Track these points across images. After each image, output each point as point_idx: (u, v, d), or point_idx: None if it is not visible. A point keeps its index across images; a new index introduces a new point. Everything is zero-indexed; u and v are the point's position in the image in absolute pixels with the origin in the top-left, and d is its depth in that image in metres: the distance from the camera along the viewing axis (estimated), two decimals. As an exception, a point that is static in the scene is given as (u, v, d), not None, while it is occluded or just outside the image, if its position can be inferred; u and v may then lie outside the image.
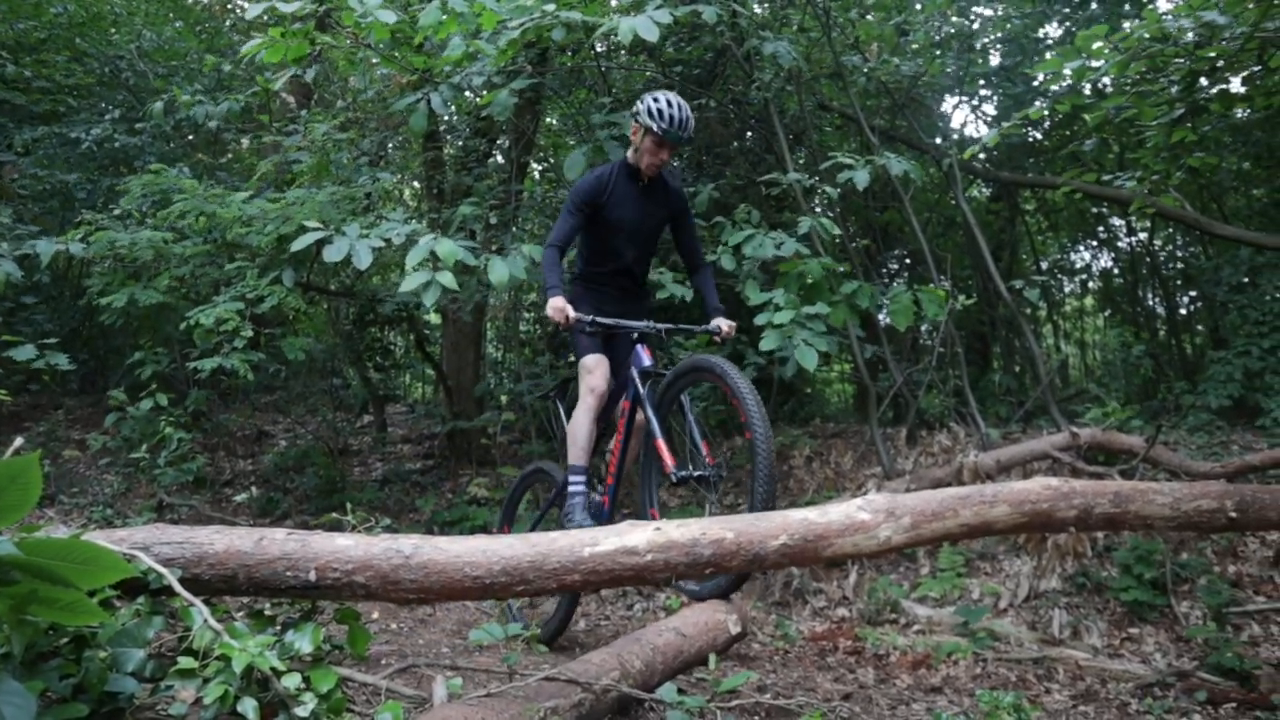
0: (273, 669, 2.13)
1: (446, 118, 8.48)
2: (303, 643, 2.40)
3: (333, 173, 6.78)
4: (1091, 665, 4.39)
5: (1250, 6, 3.37)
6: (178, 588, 2.21)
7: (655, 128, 3.93)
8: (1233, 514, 2.87)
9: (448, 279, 4.74)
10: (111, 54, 9.74)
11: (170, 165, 7.21)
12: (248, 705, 2.11)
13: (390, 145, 8.27)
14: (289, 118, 7.84)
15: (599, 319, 3.94)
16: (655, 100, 3.97)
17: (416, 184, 9.86)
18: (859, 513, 2.64)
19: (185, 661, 2.19)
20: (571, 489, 4.11)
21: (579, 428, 4.07)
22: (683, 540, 2.44)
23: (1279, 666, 4.14)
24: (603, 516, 4.19)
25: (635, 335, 4.01)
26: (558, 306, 3.85)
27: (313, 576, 2.37)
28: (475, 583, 2.38)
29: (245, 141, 7.65)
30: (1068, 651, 4.57)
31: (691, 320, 4.44)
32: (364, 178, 6.64)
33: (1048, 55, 6.57)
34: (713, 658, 3.10)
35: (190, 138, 9.71)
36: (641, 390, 3.89)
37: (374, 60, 7.23)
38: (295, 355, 6.26)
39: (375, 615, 4.81)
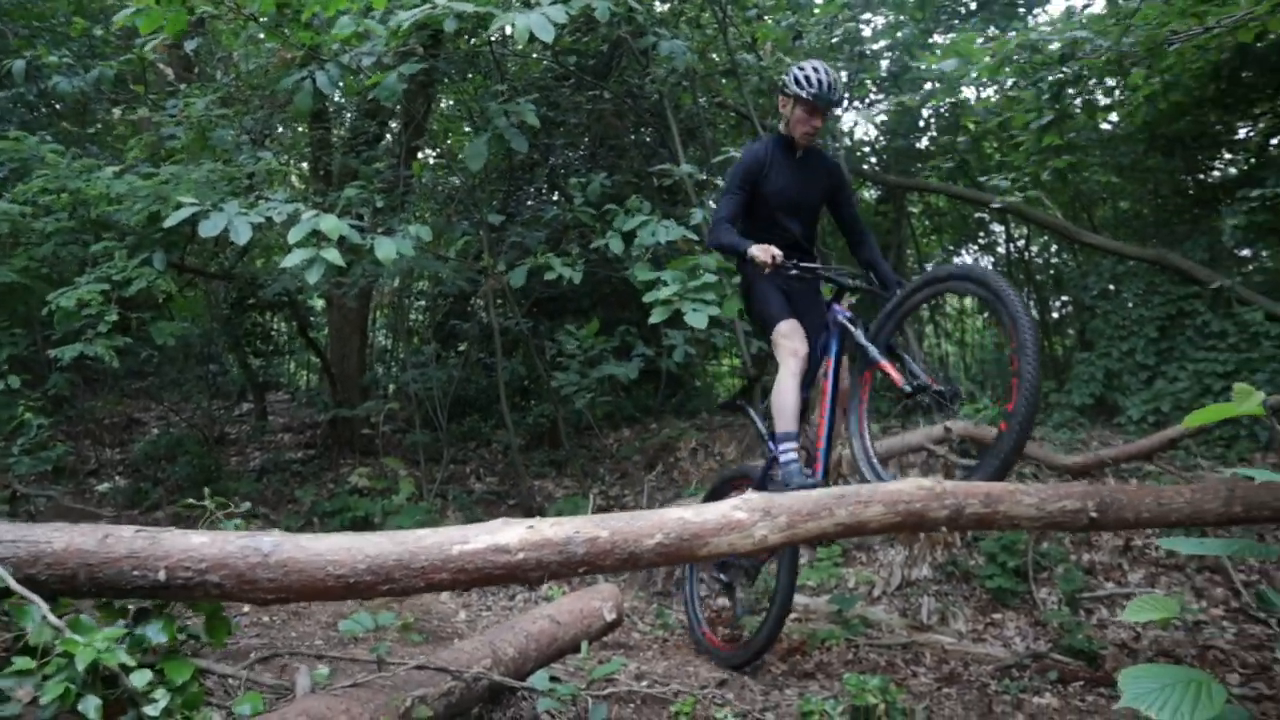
0: (121, 665, 2.03)
1: (335, 98, 8.23)
2: (156, 635, 2.30)
3: (212, 150, 6.49)
4: (956, 649, 4.58)
5: (1111, 24, 3.56)
6: (12, 583, 2.08)
7: (805, 94, 3.91)
8: (1094, 514, 3.00)
9: (333, 255, 4.59)
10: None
11: (31, 134, 6.77)
12: (89, 704, 2.01)
13: (276, 125, 7.98)
14: (167, 91, 7.46)
15: (804, 264, 3.91)
16: (801, 69, 3.97)
17: (304, 165, 9.54)
18: (735, 512, 2.68)
19: (21, 661, 2.06)
20: (784, 458, 3.89)
21: (786, 394, 3.90)
22: (556, 538, 2.43)
23: (1123, 647, 4.41)
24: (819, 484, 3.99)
25: (831, 291, 3.98)
26: (763, 248, 3.78)
27: (162, 576, 2.26)
28: (338, 582, 2.32)
29: (117, 113, 7.24)
30: (935, 637, 4.76)
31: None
32: (245, 157, 6.38)
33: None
34: (585, 644, 3.10)
35: (57, 106, 9.14)
36: (852, 327, 3.81)
37: (260, 35, 6.96)
38: (165, 340, 5.96)
39: (246, 609, 4.65)
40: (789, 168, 4.12)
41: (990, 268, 3.50)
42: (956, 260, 11.71)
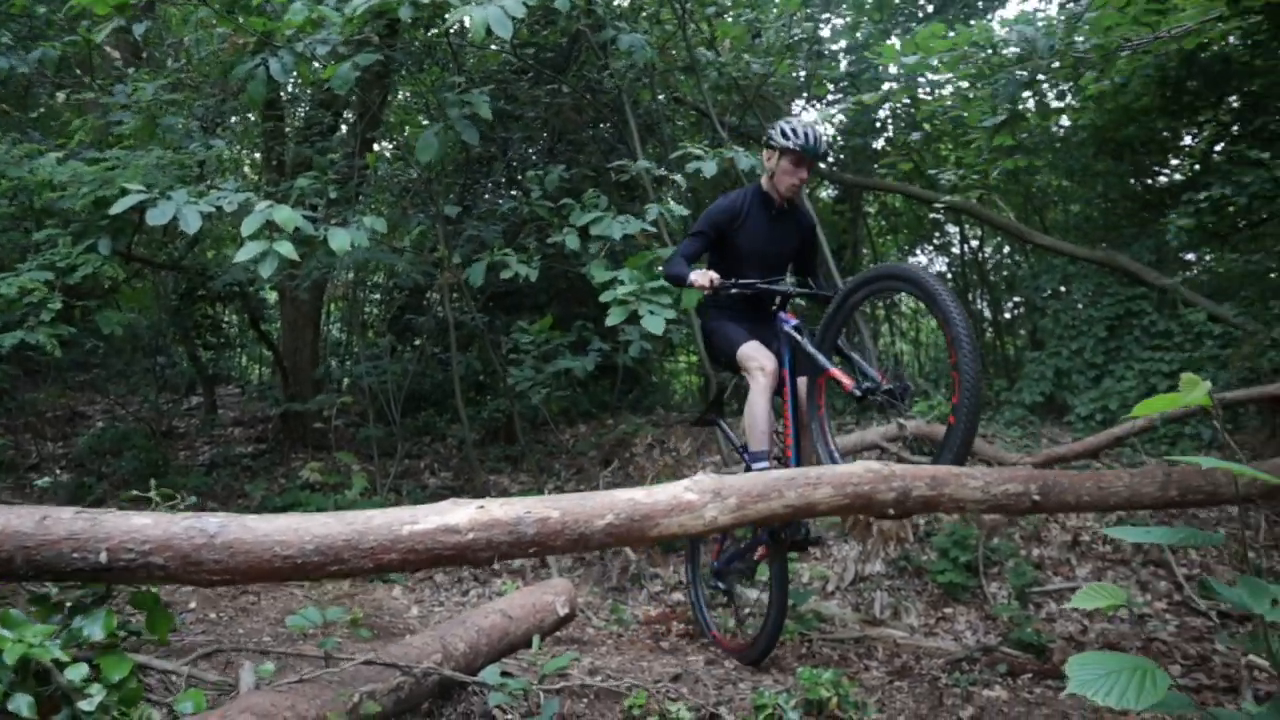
0: (54, 660, 1.96)
1: (289, 87, 8.10)
2: (94, 629, 2.23)
3: (160, 137, 6.33)
4: (908, 643, 4.62)
5: (1058, 21, 3.62)
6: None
7: (793, 144, 4.00)
8: (1036, 497, 3.06)
9: (286, 248, 4.50)
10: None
11: (-31, 116, 6.57)
12: (21, 701, 1.94)
13: (229, 113, 7.82)
14: (114, 76, 7.28)
15: (742, 280, 4.02)
16: (788, 123, 4.10)
17: (258, 156, 9.37)
18: (686, 493, 2.67)
19: (-52, 657, 1.98)
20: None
21: (757, 411, 4.00)
22: (506, 518, 2.40)
23: (1070, 640, 4.48)
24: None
25: (776, 303, 4.11)
26: (702, 272, 3.93)
27: (104, 558, 2.19)
28: (286, 563, 2.27)
29: (61, 96, 7.04)
30: (887, 631, 4.80)
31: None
32: (196, 144, 6.24)
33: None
34: (536, 639, 3.07)
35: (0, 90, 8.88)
36: (799, 337, 3.93)
37: (212, 21, 6.81)
38: (112, 329, 5.81)
39: (193, 605, 4.56)
40: (765, 222, 4.20)
41: (926, 267, 3.57)
42: (911, 260, 11.86)
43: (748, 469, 4.11)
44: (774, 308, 4.14)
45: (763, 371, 4.01)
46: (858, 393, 3.63)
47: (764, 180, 4.22)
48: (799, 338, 3.95)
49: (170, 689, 2.40)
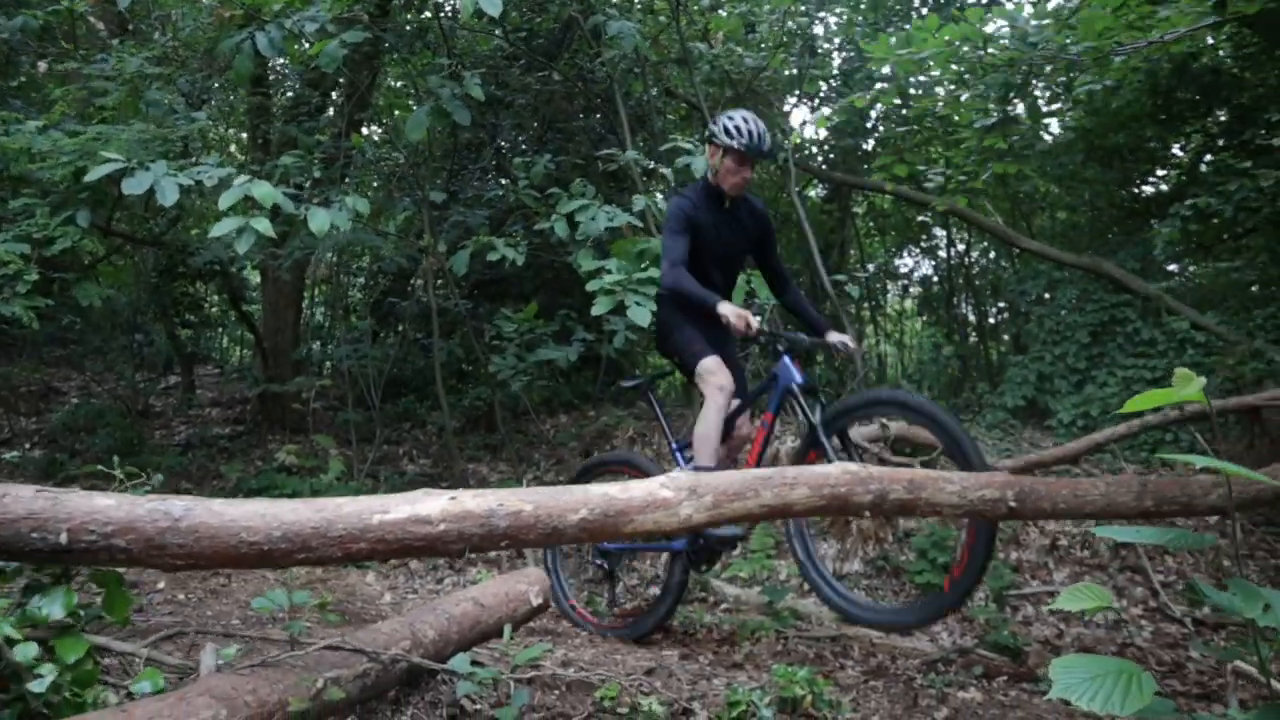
0: (5, 637, 1.91)
1: (277, 65, 7.99)
2: (52, 608, 2.18)
3: (144, 111, 6.23)
4: (884, 643, 4.60)
5: (1048, 21, 3.60)
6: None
7: (736, 144, 3.87)
8: (1012, 504, 3.05)
9: (263, 225, 4.44)
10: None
11: (-52, 83, 6.45)
12: (-42, 680, 1.88)
13: (216, 88, 7.72)
14: (98, 47, 7.16)
15: (784, 333, 3.96)
16: (730, 118, 3.93)
17: (244, 136, 9.26)
18: (661, 490, 2.63)
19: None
20: None
21: (710, 428, 3.90)
22: (479, 510, 2.36)
23: (1046, 643, 4.48)
24: (733, 529, 3.99)
25: (783, 346, 3.95)
26: (740, 314, 3.70)
27: (64, 539, 2.13)
28: (252, 549, 2.21)
29: (43, 65, 6.93)
30: (863, 630, 4.78)
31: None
32: (180, 118, 6.15)
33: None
34: (507, 628, 3.03)
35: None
36: (802, 400, 3.83)
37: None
38: (90, 301, 5.73)
39: (161, 585, 4.50)
40: (715, 220, 4.10)
41: (962, 427, 3.61)
42: (899, 261, 11.87)
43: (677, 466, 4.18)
44: (781, 350, 3.99)
45: (720, 390, 3.95)
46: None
47: (709, 176, 4.10)
48: (800, 397, 3.84)
49: (129, 671, 2.35)
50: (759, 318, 3.80)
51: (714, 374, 3.97)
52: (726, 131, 3.92)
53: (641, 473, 4.41)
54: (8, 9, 6.71)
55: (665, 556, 4.59)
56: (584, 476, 4.77)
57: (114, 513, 2.18)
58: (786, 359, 3.94)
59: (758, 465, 4.10)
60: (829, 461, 3.63)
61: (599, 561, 4.58)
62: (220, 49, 5.64)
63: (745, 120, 3.94)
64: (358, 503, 2.31)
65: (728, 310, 3.73)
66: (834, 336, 4.12)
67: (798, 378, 3.89)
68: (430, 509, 2.32)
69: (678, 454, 4.36)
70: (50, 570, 2.38)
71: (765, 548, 5.56)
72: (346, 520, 2.26)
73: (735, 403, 4.15)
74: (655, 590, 5.06)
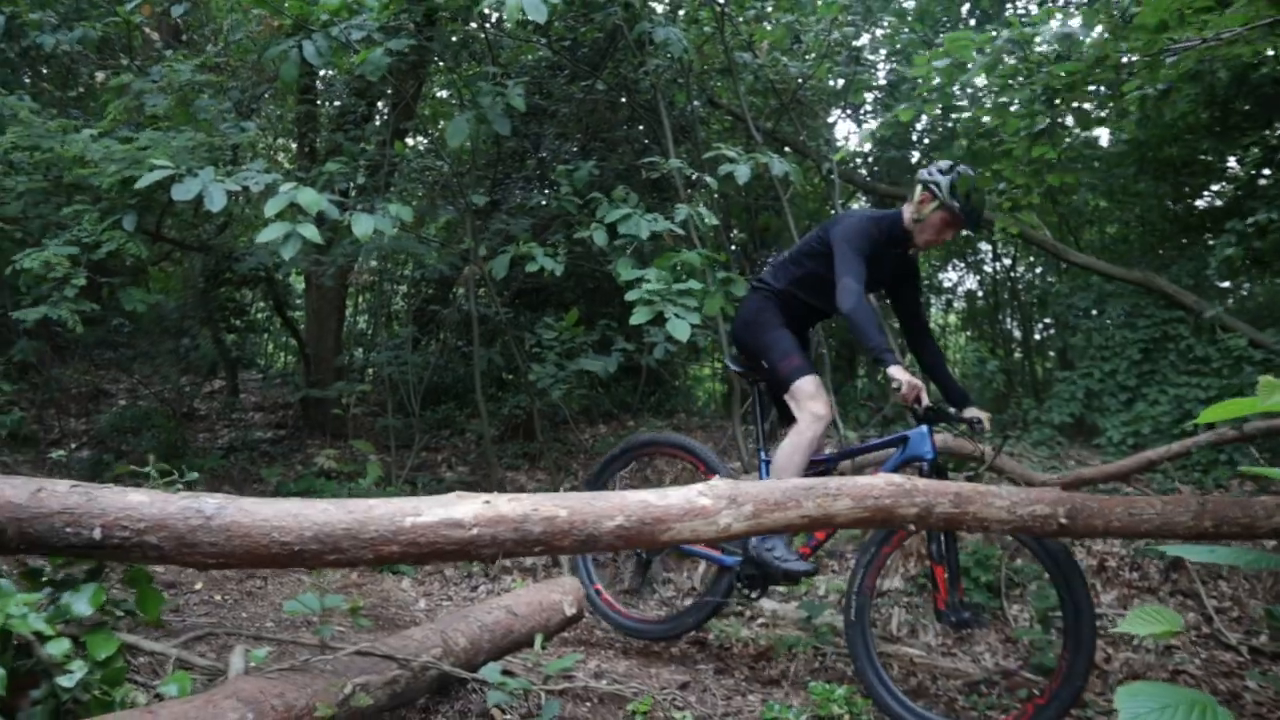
0: (35, 632, 1.91)
1: (324, 73, 8.10)
2: (81, 605, 2.18)
3: (194, 119, 6.34)
4: (924, 662, 4.49)
5: (1101, 17, 3.50)
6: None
7: (959, 209, 3.68)
8: (1064, 520, 2.94)
9: (310, 231, 4.46)
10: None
11: (10, 93, 6.60)
12: (-5, 672, 1.88)
13: (266, 98, 7.84)
14: (152, 56, 7.32)
15: (950, 410, 3.71)
16: (960, 178, 3.69)
17: (293, 145, 9.40)
18: (700, 498, 2.58)
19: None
20: None
21: (799, 456, 3.71)
22: (513, 515, 2.32)
23: (1093, 668, 4.33)
24: (803, 564, 3.89)
25: (925, 414, 3.64)
26: (914, 384, 3.48)
27: (98, 534, 2.14)
28: (283, 549, 2.20)
29: (101, 76, 7.09)
30: (904, 649, 4.67)
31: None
32: (229, 125, 6.24)
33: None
34: (539, 638, 2.99)
35: (42, 69, 8.96)
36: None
37: (249, 4, 6.82)
38: (135, 306, 5.81)
39: (199, 585, 4.53)
40: (889, 260, 3.90)
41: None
42: (943, 275, 11.69)
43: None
44: (924, 420, 3.67)
45: (820, 420, 3.74)
46: (951, 619, 3.58)
47: (906, 216, 3.87)
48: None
49: (159, 671, 2.35)
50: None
51: (816, 399, 3.77)
52: (953, 190, 3.69)
53: (698, 460, 4.27)
54: (69, 21, 6.87)
55: (712, 568, 4.40)
56: (625, 455, 4.61)
57: (147, 509, 2.19)
58: (925, 429, 3.68)
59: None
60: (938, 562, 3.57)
61: (638, 549, 4.34)
62: (268, 57, 5.71)
63: (975, 190, 3.74)
64: (390, 504, 2.29)
65: (902, 376, 3.48)
66: (972, 412, 3.79)
67: (930, 454, 3.66)
68: (463, 512, 2.29)
69: (764, 465, 4.09)
70: (84, 567, 2.39)
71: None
72: (378, 522, 2.24)
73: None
74: (689, 601, 4.95)
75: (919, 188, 3.82)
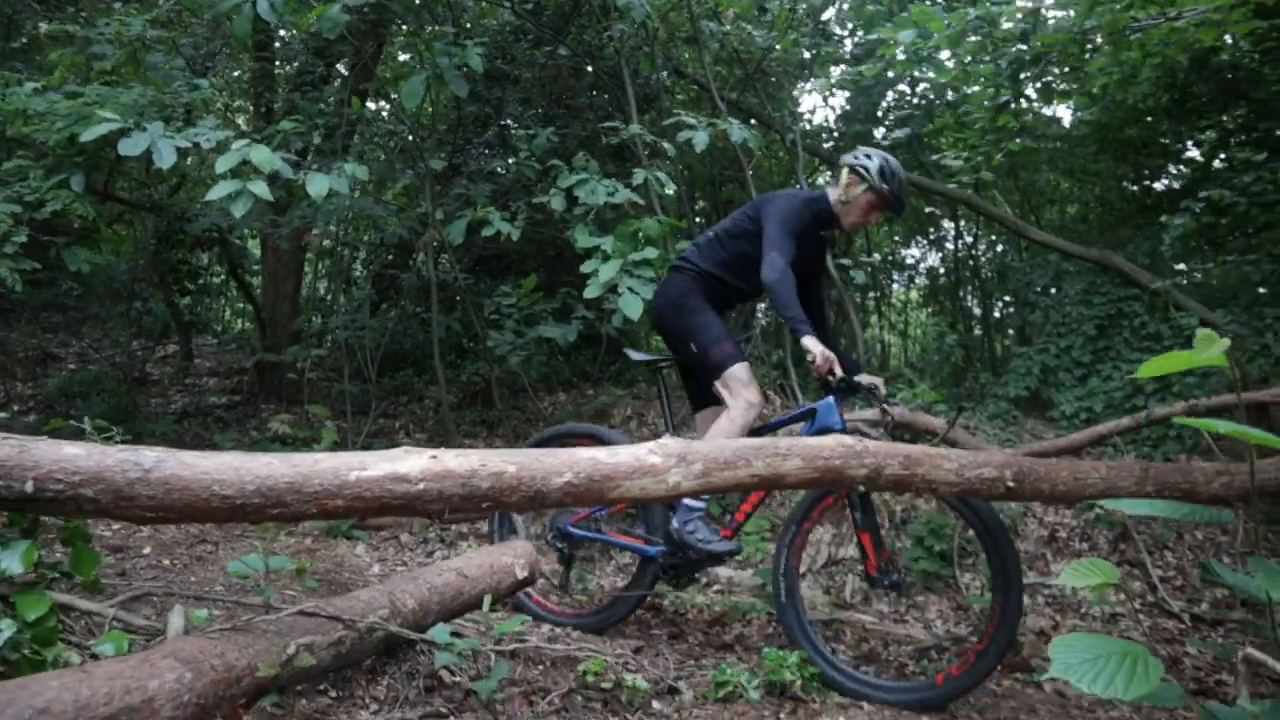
0: (-38, 589, 1.85)
1: (283, 33, 7.90)
2: (11, 563, 2.11)
3: (145, 75, 6.15)
4: (877, 629, 4.54)
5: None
6: None
7: (886, 190, 3.70)
8: (1011, 483, 2.97)
9: (261, 189, 4.36)
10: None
11: (-52, 43, 6.37)
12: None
13: (222, 56, 7.63)
14: (100, 8, 7.08)
15: (854, 380, 3.66)
16: (887, 161, 3.73)
17: (250, 106, 9.17)
18: (650, 456, 2.55)
19: None
20: (693, 503, 3.80)
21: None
22: (460, 470, 2.29)
23: (1041, 634, 4.41)
24: (727, 544, 3.89)
25: (835, 385, 3.65)
26: (829, 356, 3.50)
27: (30, 488, 2.06)
28: (224, 503, 2.14)
29: (44, 27, 6.85)
30: (857, 615, 4.72)
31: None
32: (181, 83, 6.06)
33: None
34: (488, 599, 2.97)
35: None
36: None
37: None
38: (79, 266, 5.65)
39: (147, 550, 4.45)
40: (814, 241, 3.92)
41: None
42: (906, 251, 11.76)
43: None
44: (834, 391, 3.70)
45: (752, 407, 3.74)
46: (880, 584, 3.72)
47: (833, 199, 3.89)
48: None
49: (95, 632, 2.29)
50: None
51: (749, 386, 3.76)
52: (882, 173, 3.72)
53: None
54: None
55: (636, 559, 4.26)
56: (540, 447, 4.60)
57: (83, 462, 2.11)
58: (833, 400, 3.72)
59: (761, 502, 4.04)
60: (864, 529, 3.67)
61: (559, 545, 4.25)
62: (219, 11, 5.53)
63: (899, 172, 3.76)
64: (335, 459, 2.24)
65: (817, 348, 3.51)
66: (865, 379, 3.82)
67: (839, 424, 3.67)
68: (410, 467, 2.25)
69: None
70: (17, 524, 2.32)
71: (760, 530, 5.49)
72: (323, 476, 2.19)
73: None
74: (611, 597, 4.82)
75: (845, 171, 3.86)
